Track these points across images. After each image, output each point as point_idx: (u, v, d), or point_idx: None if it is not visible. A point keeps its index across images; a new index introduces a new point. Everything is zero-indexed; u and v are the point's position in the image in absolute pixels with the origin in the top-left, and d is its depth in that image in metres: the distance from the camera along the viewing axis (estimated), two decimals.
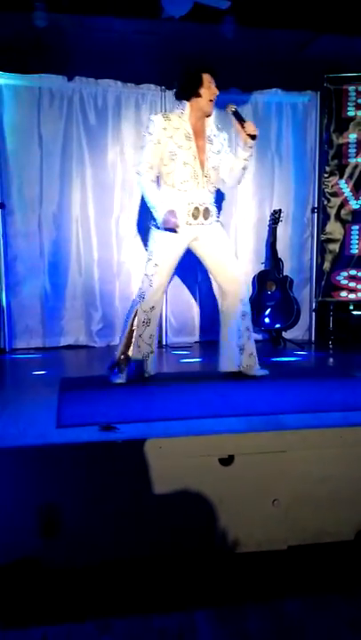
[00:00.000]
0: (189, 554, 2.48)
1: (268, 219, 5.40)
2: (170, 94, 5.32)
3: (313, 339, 5.69)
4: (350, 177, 5.38)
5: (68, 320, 5.30)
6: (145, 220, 5.36)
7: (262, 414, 2.91)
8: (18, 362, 4.78)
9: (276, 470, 2.57)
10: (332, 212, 5.44)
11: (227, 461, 2.53)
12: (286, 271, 5.37)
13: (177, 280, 5.50)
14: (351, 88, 5.32)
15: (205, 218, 3.48)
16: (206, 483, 2.51)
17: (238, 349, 3.59)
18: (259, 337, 5.44)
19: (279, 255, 5.27)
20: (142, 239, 5.42)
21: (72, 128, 5.16)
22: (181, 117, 3.40)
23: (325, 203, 5.45)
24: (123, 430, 2.61)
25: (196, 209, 3.45)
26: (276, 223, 5.21)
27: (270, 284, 5.21)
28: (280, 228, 5.30)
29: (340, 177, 5.39)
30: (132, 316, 3.59)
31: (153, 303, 3.56)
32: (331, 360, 4.93)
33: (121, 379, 3.61)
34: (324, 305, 5.59)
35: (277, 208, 5.28)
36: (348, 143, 5.35)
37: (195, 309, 5.57)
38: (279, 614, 2.20)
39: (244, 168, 3.51)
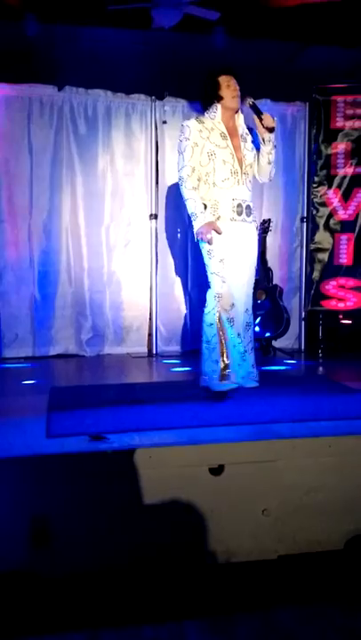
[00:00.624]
0: (180, 563, 2.48)
1: (258, 228, 5.42)
2: (160, 104, 5.37)
3: (303, 347, 5.72)
4: (339, 187, 5.42)
5: (58, 329, 5.29)
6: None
7: (252, 423, 2.91)
8: (7, 371, 4.76)
9: (265, 480, 2.57)
10: (321, 221, 5.48)
11: (217, 471, 2.53)
12: (276, 280, 5.39)
13: (167, 288, 5.52)
14: (340, 99, 5.37)
15: (248, 215, 3.45)
16: (196, 492, 2.51)
17: (239, 358, 3.49)
18: None
19: (269, 264, 5.30)
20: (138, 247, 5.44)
21: (62, 137, 5.18)
22: (214, 119, 3.42)
23: (314, 212, 5.49)
24: (112, 440, 2.60)
25: (240, 205, 3.41)
26: (266, 232, 5.24)
27: (260, 293, 5.22)
28: (270, 238, 5.32)
29: (329, 187, 5.43)
30: (217, 321, 3.38)
31: (233, 300, 3.42)
32: (320, 369, 4.95)
33: (232, 383, 3.39)
34: (314, 314, 5.62)
35: (267, 218, 5.31)
36: (337, 153, 5.40)
37: (185, 318, 5.57)
38: (269, 624, 2.19)
39: (270, 163, 3.50)
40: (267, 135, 3.43)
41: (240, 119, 3.50)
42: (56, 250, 5.24)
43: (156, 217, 5.41)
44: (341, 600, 2.31)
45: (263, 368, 4.60)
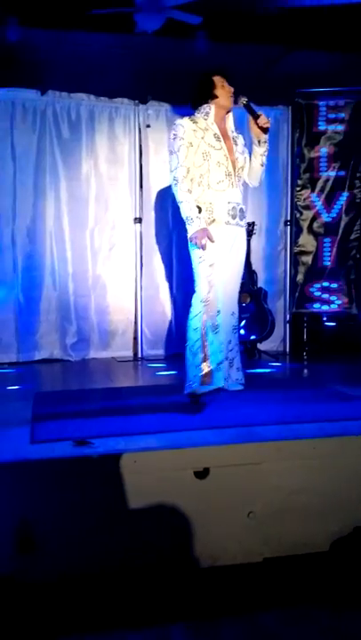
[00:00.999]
0: (165, 568, 2.47)
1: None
2: (143, 108, 5.37)
3: (287, 350, 5.74)
4: (322, 190, 5.45)
5: (43, 334, 5.26)
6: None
7: (237, 426, 2.92)
8: None
9: (251, 482, 2.58)
10: (305, 224, 5.51)
11: (202, 474, 2.53)
12: (260, 283, 5.42)
13: (152, 292, 5.52)
14: (322, 103, 5.41)
15: (241, 218, 3.42)
16: (182, 496, 2.51)
17: (226, 362, 3.46)
18: None
19: (253, 267, 5.32)
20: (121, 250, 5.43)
21: (45, 142, 5.16)
22: (207, 119, 3.36)
23: (298, 215, 5.52)
24: (97, 445, 2.59)
25: (234, 208, 3.36)
26: (250, 236, 5.25)
27: (245, 297, 5.24)
28: (254, 241, 5.35)
29: (312, 190, 5.47)
30: (201, 327, 3.32)
31: (219, 306, 3.36)
32: (305, 371, 4.97)
33: (212, 386, 3.36)
34: (299, 316, 5.64)
35: (251, 221, 5.33)
36: (320, 157, 5.44)
37: (170, 321, 5.57)
38: (254, 627, 2.19)
39: (263, 165, 3.46)
40: (262, 136, 3.38)
41: (230, 121, 3.46)
42: (40, 254, 5.22)
43: (140, 221, 5.41)
44: (327, 602, 2.32)
45: (248, 371, 4.61)
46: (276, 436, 2.75)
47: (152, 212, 5.47)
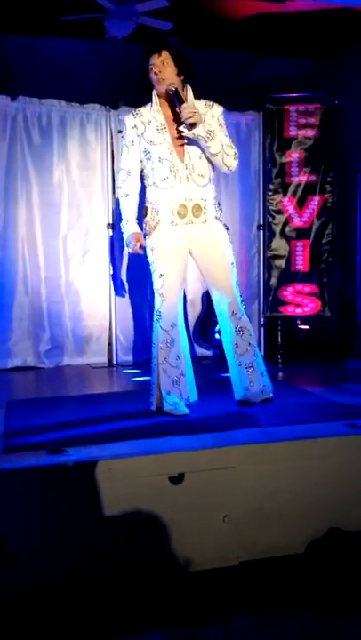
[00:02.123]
0: (142, 574, 2.46)
1: (222, 223, 5.45)
2: (114, 114, 5.37)
3: (262, 353, 5.74)
4: (293, 195, 5.50)
5: (16, 341, 5.20)
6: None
7: (211, 431, 2.92)
8: None
9: (226, 486, 2.58)
10: (278, 228, 5.55)
11: (177, 480, 2.53)
12: None
13: (126, 298, 5.49)
14: (292, 108, 5.46)
15: (196, 216, 3.09)
16: (157, 502, 2.50)
17: (242, 369, 3.20)
18: (209, 353, 5.47)
19: None
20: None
21: (16, 148, 5.11)
22: (152, 108, 3.09)
23: (270, 220, 5.56)
24: (71, 453, 2.57)
25: (182, 206, 3.06)
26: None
27: None
28: None
29: (284, 195, 5.51)
30: (155, 341, 3.20)
31: (173, 319, 3.15)
32: (280, 374, 5.00)
33: (176, 412, 3.18)
34: (273, 320, 5.68)
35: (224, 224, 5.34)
36: (291, 162, 5.48)
37: (144, 327, 5.56)
38: (233, 632, 2.19)
39: (214, 155, 3.05)
40: (189, 132, 2.97)
41: (190, 101, 3.05)
42: (12, 260, 5.16)
43: (113, 226, 5.40)
44: (303, 604, 2.32)
45: (223, 375, 4.62)
46: (250, 440, 2.76)
47: None
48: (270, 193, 5.54)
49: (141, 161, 3.16)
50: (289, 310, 5.57)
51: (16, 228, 5.16)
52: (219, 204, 3.29)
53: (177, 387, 3.21)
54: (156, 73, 3.04)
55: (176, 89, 3.01)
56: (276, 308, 5.59)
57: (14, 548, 2.34)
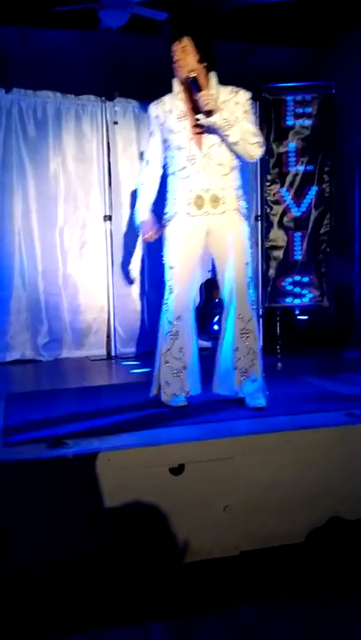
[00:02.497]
0: (142, 565, 2.46)
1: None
2: (110, 105, 5.34)
3: (261, 344, 5.74)
4: (291, 185, 5.49)
5: (14, 335, 5.20)
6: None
7: (210, 422, 2.92)
8: None
9: (225, 477, 2.58)
10: (275, 219, 5.54)
11: (177, 470, 2.53)
12: None
13: (124, 290, 5.49)
14: (289, 98, 5.43)
15: (214, 207, 3.00)
16: (158, 493, 2.50)
17: (236, 372, 3.13)
18: (208, 344, 5.47)
19: None
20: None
21: (12, 140, 5.09)
22: (174, 97, 3.03)
23: (268, 210, 5.55)
24: (71, 445, 2.57)
25: (199, 197, 2.99)
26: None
27: (217, 292, 5.23)
28: None
29: (282, 185, 5.49)
30: (161, 332, 3.18)
31: (179, 312, 3.09)
32: (279, 364, 5.00)
33: (175, 401, 3.16)
34: (271, 311, 5.67)
35: None
36: (288, 152, 5.46)
37: (142, 319, 5.56)
38: (234, 621, 2.20)
39: (234, 144, 2.96)
40: (206, 121, 2.90)
41: (214, 87, 2.99)
42: (9, 253, 5.15)
43: (110, 218, 5.38)
44: (303, 593, 2.33)
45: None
46: (249, 430, 2.76)
47: (121, 209, 5.44)
48: (268, 183, 5.53)
49: (163, 151, 3.12)
50: (287, 301, 5.57)
51: (12, 221, 5.14)
52: (243, 194, 3.16)
53: (178, 379, 3.15)
54: (176, 60, 2.97)
55: (195, 76, 2.93)
56: (274, 298, 5.59)
57: (15, 539, 2.34)
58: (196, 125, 2.97)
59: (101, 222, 5.38)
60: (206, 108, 2.89)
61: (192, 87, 2.94)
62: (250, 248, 3.18)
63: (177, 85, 3.04)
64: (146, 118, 5.28)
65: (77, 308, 5.40)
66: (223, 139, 2.98)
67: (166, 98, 3.07)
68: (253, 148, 3.02)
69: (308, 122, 5.43)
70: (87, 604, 2.28)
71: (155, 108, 3.09)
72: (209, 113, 2.90)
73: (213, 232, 3.08)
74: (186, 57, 2.97)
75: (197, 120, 2.95)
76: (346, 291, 5.59)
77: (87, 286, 5.41)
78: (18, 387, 4.34)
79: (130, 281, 5.43)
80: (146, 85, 4.87)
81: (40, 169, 5.20)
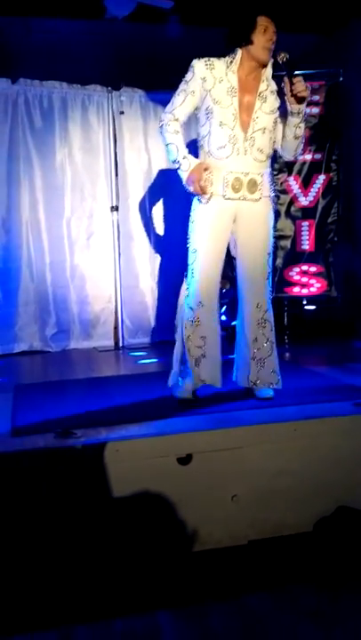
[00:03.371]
0: (150, 554, 2.48)
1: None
2: (116, 94, 5.32)
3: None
4: (299, 174, 5.45)
5: (22, 326, 5.21)
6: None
7: (218, 412, 2.92)
8: None
9: (233, 466, 2.59)
10: (283, 208, 5.50)
11: (185, 460, 2.54)
12: None
13: (131, 281, 5.49)
14: None
15: (251, 192, 2.90)
16: (165, 483, 2.51)
17: (253, 363, 3.10)
18: None
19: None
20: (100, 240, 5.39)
21: (18, 131, 5.08)
22: (229, 67, 2.84)
23: (276, 200, 5.50)
24: (79, 435, 2.58)
25: (237, 179, 2.86)
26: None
27: (224, 282, 5.20)
28: None
29: (289, 174, 5.46)
30: (181, 318, 3.08)
31: (200, 298, 2.99)
32: (286, 355, 4.99)
33: (185, 392, 3.08)
34: (279, 301, 5.64)
35: None
36: None
37: (150, 310, 5.56)
38: (242, 610, 2.21)
39: (297, 137, 2.97)
40: (295, 106, 2.86)
41: (266, 73, 2.91)
42: (17, 245, 5.16)
43: (117, 209, 5.37)
44: (312, 582, 2.34)
45: (230, 356, 4.62)
46: (257, 420, 2.76)
47: (129, 199, 5.43)
48: (275, 172, 5.48)
49: (193, 115, 2.92)
50: (295, 291, 5.54)
51: (20, 212, 5.15)
52: (274, 183, 3.07)
53: (196, 367, 3.04)
54: (271, 40, 2.85)
55: (288, 58, 2.85)
56: (282, 288, 5.56)
57: (23, 529, 2.36)
58: (244, 106, 2.85)
59: (108, 213, 5.38)
60: (302, 94, 2.84)
61: (288, 69, 2.84)
62: (273, 238, 3.12)
63: (240, 57, 2.85)
64: (152, 108, 5.36)
65: (85, 299, 5.41)
66: (271, 126, 2.92)
67: (217, 62, 2.86)
68: (301, 147, 3.07)
69: (315, 110, 5.37)
70: (96, 593, 2.29)
71: (203, 68, 2.84)
72: (300, 100, 2.85)
73: (242, 218, 2.98)
74: (273, 36, 2.87)
75: (299, 102, 2.85)
76: (354, 280, 5.56)
77: (94, 277, 5.41)
78: (26, 378, 4.36)
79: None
80: (152, 75, 4.86)
81: (47, 159, 5.19)
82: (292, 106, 2.88)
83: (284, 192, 5.48)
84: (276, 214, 5.43)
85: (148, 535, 2.50)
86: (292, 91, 2.83)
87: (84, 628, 2.11)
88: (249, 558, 2.51)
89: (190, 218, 3.01)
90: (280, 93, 2.93)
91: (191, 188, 2.85)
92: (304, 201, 5.47)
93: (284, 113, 2.95)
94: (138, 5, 4.85)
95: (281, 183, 5.47)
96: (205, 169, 2.82)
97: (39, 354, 5.19)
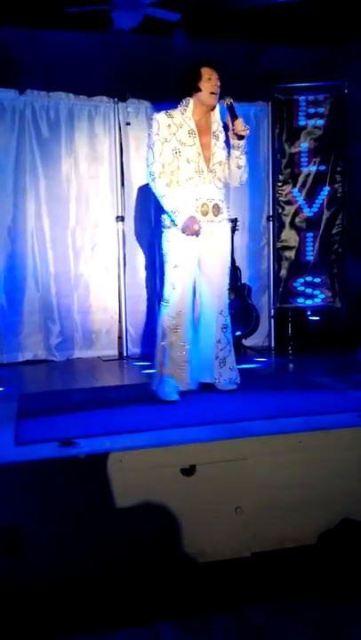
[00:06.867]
0: (153, 565, 2.47)
1: (231, 226, 5.44)
2: (123, 106, 5.35)
3: (273, 345, 5.75)
4: (303, 185, 5.47)
5: (27, 335, 5.23)
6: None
7: (222, 422, 2.92)
8: None
9: (237, 478, 2.58)
10: (287, 219, 5.52)
11: (188, 471, 2.53)
12: (244, 279, 5.42)
13: (136, 291, 5.50)
14: (301, 98, 5.42)
15: (215, 215, 3.40)
16: (169, 494, 2.50)
17: (216, 361, 3.53)
18: None
19: (237, 263, 5.32)
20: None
21: (24, 141, 5.12)
22: (184, 114, 3.33)
23: (280, 211, 5.53)
24: (83, 445, 2.58)
25: (205, 205, 3.35)
26: (233, 232, 5.26)
27: (229, 293, 5.22)
28: (237, 237, 5.34)
29: (294, 185, 5.48)
30: (161, 326, 3.42)
31: (180, 307, 3.37)
32: (291, 365, 4.99)
33: (170, 395, 3.36)
34: (283, 311, 5.66)
35: (233, 217, 5.33)
36: (300, 152, 5.45)
37: (154, 320, 5.54)
38: (245, 622, 2.20)
39: (239, 167, 3.44)
40: (236, 141, 3.38)
41: (215, 115, 3.42)
42: (22, 254, 5.18)
43: (122, 219, 5.40)
44: (315, 595, 2.33)
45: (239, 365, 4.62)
46: (261, 431, 2.75)
47: (134, 210, 5.45)
48: (280, 184, 5.51)
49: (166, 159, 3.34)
50: (299, 301, 5.55)
51: (25, 222, 5.17)
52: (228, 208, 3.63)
53: (179, 372, 3.40)
54: (216, 85, 3.33)
55: (232, 103, 3.36)
56: (286, 299, 5.57)
57: (26, 538, 2.35)
58: (204, 145, 3.34)
59: (113, 223, 5.40)
60: (242, 133, 3.35)
61: (229, 113, 3.36)
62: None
63: (192, 104, 3.33)
64: None
65: (89, 308, 5.42)
66: (225, 159, 3.42)
67: (174, 112, 3.34)
68: (246, 176, 3.54)
69: (320, 122, 5.41)
70: (99, 604, 2.29)
71: (166, 118, 3.31)
72: (240, 138, 3.36)
73: (208, 237, 3.40)
74: (217, 82, 3.35)
75: (240, 138, 3.36)
76: (358, 291, 5.56)
77: (99, 287, 5.43)
78: (30, 387, 4.37)
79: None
80: (158, 86, 4.89)
81: (52, 170, 5.22)
82: (234, 141, 3.40)
83: (289, 203, 5.51)
84: (281, 225, 5.51)
85: (152, 546, 2.49)
86: (233, 129, 3.35)
87: (86, 638, 2.10)
88: (252, 570, 2.50)
89: (163, 238, 3.42)
90: (224, 129, 3.44)
91: (188, 231, 3.28)
92: (309, 212, 5.49)
93: (227, 146, 3.43)
94: (145, 18, 4.89)
95: (286, 194, 5.50)
96: (197, 221, 3.30)
97: (43, 363, 5.20)
